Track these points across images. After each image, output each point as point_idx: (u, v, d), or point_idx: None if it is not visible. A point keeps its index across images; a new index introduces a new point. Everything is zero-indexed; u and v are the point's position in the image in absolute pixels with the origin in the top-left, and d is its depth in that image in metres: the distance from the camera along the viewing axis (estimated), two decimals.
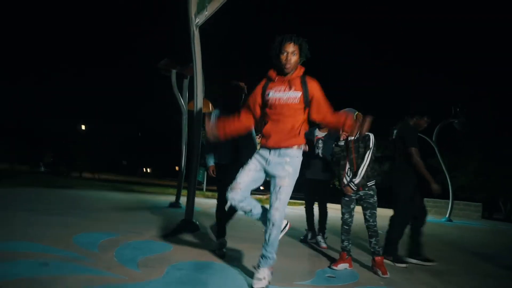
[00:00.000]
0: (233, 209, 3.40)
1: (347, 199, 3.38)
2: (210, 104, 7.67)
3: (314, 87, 2.57)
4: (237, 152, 3.51)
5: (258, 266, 2.52)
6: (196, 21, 4.90)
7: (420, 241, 3.81)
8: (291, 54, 2.50)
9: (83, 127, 37.40)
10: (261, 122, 2.74)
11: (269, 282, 2.50)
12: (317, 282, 2.79)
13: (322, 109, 2.57)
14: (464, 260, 4.42)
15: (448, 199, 12.28)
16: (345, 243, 3.36)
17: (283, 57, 2.51)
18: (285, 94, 2.54)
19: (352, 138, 3.37)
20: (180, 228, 4.37)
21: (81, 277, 2.29)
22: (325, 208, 4.50)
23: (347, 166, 3.36)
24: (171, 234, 4.15)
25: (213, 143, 3.46)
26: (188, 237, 4.13)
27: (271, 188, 2.55)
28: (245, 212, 2.66)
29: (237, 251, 3.59)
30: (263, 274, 2.48)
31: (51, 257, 2.67)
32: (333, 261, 3.45)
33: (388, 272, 3.13)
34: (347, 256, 3.33)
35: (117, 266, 2.64)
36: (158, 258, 3.01)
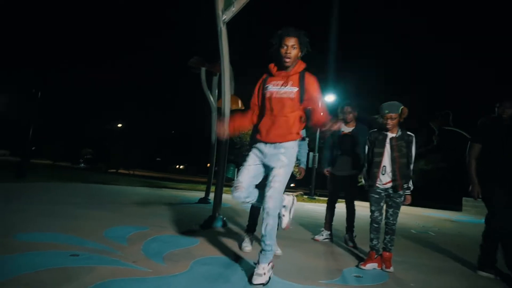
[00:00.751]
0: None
1: (377, 196, 3.26)
2: (240, 101, 7.68)
3: (311, 84, 2.55)
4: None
5: (258, 262, 2.47)
6: (223, 18, 4.91)
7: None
8: (291, 47, 2.51)
9: (119, 125, 38.79)
10: (258, 116, 2.73)
11: (270, 278, 2.45)
12: (344, 281, 2.71)
13: (311, 94, 2.54)
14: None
15: None
16: (374, 242, 3.24)
17: (283, 50, 2.51)
18: (281, 89, 2.54)
19: (394, 135, 3.23)
20: (207, 224, 4.42)
21: (107, 269, 2.35)
22: (353, 205, 4.37)
23: (383, 164, 3.22)
24: (199, 228, 4.20)
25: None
26: (215, 232, 4.15)
27: (268, 179, 2.53)
28: (259, 206, 2.64)
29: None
30: (263, 269, 2.43)
31: (81, 249, 2.76)
32: (361, 260, 3.35)
33: (392, 267, 3.15)
34: (376, 256, 3.21)
35: (143, 259, 2.69)
36: (183, 252, 3.05)
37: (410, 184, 3.23)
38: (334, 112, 4.48)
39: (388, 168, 3.20)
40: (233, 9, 4.86)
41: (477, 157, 3.39)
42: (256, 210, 3.56)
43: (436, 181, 24.28)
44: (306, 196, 15.57)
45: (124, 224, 3.98)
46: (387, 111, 3.21)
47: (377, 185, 3.24)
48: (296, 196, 14.01)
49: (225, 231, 4.31)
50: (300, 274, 2.75)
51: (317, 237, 4.41)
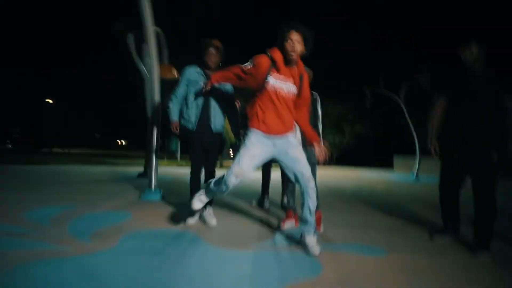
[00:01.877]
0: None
1: None
2: (174, 70, 7.37)
3: (306, 84, 2.64)
4: (208, 118, 3.25)
5: (306, 235, 2.58)
6: None
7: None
8: (296, 42, 2.46)
9: (50, 101, 35.86)
10: (255, 104, 2.60)
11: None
12: (275, 243, 2.79)
13: (301, 109, 2.68)
14: (421, 215, 4.56)
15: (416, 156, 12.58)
16: (291, 202, 3.38)
17: (288, 44, 2.46)
18: (288, 86, 2.55)
19: None
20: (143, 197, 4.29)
21: (23, 253, 2.18)
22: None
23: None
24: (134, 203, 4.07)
25: (177, 102, 3.29)
26: (151, 206, 4.05)
27: (289, 163, 2.58)
28: (223, 190, 2.64)
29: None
30: (313, 239, 2.57)
31: None
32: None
33: (322, 227, 3.27)
34: (294, 214, 3.38)
35: (68, 239, 2.54)
36: (114, 228, 2.93)
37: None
38: None
39: (299, 129, 3.20)
40: None
41: (440, 114, 3.05)
42: (197, 186, 3.34)
43: (371, 143, 25.84)
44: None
45: (48, 204, 3.73)
46: None
47: None
48: None
49: (161, 204, 4.22)
50: (232, 241, 2.78)
51: (254, 203, 4.52)
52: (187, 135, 3.27)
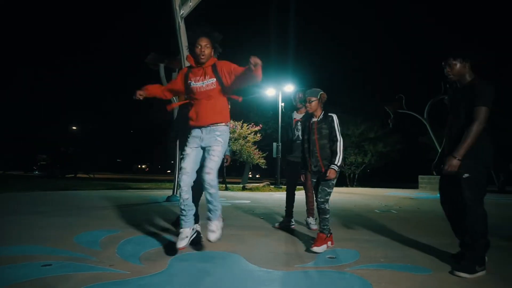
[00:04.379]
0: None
1: (314, 180, 3.43)
2: None
3: (222, 64, 2.87)
4: None
5: (210, 219, 2.95)
6: (181, 13, 4.86)
7: None
8: (204, 47, 2.80)
9: (74, 128, 37.06)
10: (186, 106, 3.10)
11: (222, 230, 2.99)
12: (319, 263, 2.84)
13: (228, 69, 2.84)
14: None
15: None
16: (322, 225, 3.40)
17: (197, 50, 2.81)
18: (203, 83, 2.87)
19: (315, 119, 3.41)
20: (178, 221, 4.40)
21: (84, 275, 2.31)
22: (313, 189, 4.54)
23: (310, 148, 3.39)
24: (173, 225, 4.19)
25: None
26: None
27: (205, 157, 2.90)
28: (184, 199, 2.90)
29: (239, 238, 3.63)
30: (216, 226, 2.93)
31: (54, 258, 2.68)
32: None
33: (319, 248, 3.15)
34: (325, 237, 3.33)
35: (120, 262, 2.67)
36: (159, 251, 3.04)
37: (336, 160, 3.23)
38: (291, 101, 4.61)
39: (314, 152, 3.36)
40: (190, 4, 4.83)
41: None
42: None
43: (394, 162, 25.49)
44: (272, 186, 15.80)
45: (93, 229, 3.88)
46: (307, 95, 3.42)
47: (311, 169, 3.41)
48: (263, 186, 14.19)
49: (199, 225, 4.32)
50: (276, 261, 2.85)
51: (277, 224, 4.53)
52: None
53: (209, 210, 2.95)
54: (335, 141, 3.30)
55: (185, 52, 5.01)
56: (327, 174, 3.21)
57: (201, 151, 2.96)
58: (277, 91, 19.11)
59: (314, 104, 3.39)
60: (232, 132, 14.23)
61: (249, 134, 15.86)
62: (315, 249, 3.15)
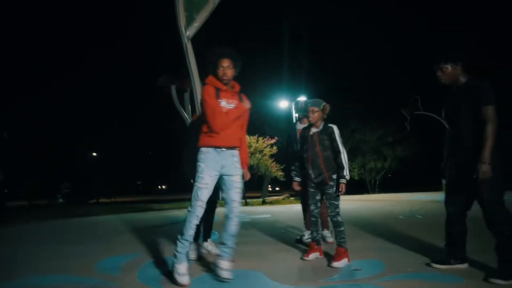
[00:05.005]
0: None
1: (312, 190, 3.39)
2: None
3: (246, 108, 2.85)
4: None
5: (223, 259, 2.75)
6: (187, 34, 4.94)
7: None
8: (227, 68, 2.72)
9: (94, 154, 37.86)
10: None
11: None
12: (343, 277, 2.74)
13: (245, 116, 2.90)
14: None
15: None
16: (314, 234, 3.42)
17: (220, 71, 2.73)
18: (234, 105, 2.78)
19: (316, 130, 3.37)
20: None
21: None
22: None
23: (311, 158, 3.33)
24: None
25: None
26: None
27: (225, 186, 2.78)
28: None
29: (260, 254, 3.57)
30: (230, 264, 2.74)
31: (74, 286, 2.68)
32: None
33: (338, 263, 3.06)
34: (316, 246, 3.41)
35: (140, 286, 2.64)
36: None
37: (344, 173, 3.23)
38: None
39: (315, 162, 3.31)
40: (196, 25, 4.91)
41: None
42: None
43: (415, 165, 24.90)
44: (293, 198, 15.64)
45: (114, 255, 3.89)
46: (309, 105, 3.36)
47: (310, 180, 3.36)
48: (283, 199, 14.05)
49: (219, 244, 4.27)
50: (300, 277, 2.77)
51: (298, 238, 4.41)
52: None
53: (227, 247, 2.77)
54: (337, 152, 3.28)
55: (194, 72, 5.08)
56: (340, 189, 3.22)
57: (217, 177, 2.78)
58: (290, 102, 19.12)
59: (317, 115, 3.35)
60: (248, 146, 14.24)
61: (265, 147, 15.83)
62: (335, 264, 3.07)
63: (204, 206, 2.70)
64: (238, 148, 2.85)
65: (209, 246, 3.82)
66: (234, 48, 2.78)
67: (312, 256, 3.34)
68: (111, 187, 30.06)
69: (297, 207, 10.60)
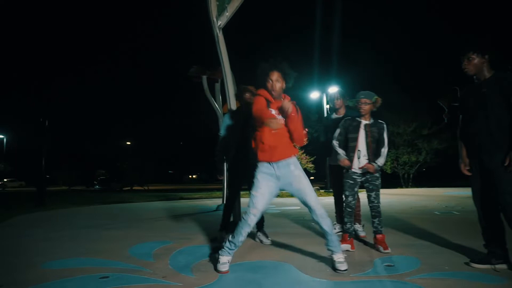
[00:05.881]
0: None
1: (351, 182, 3.41)
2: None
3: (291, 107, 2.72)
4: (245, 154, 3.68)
5: (333, 252, 2.75)
6: (219, 24, 4.92)
7: None
8: (275, 81, 2.72)
9: (128, 143, 39.03)
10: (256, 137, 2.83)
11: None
12: (376, 272, 2.67)
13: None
14: None
15: None
16: (348, 225, 3.44)
17: (269, 84, 2.73)
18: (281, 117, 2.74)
19: (368, 122, 3.40)
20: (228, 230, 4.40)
21: (139, 287, 2.35)
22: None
23: (358, 148, 3.36)
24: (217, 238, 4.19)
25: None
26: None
27: (296, 194, 2.81)
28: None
29: (290, 246, 3.55)
30: (342, 257, 2.73)
31: (110, 270, 2.77)
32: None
33: (389, 248, 3.26)
34: (348, 238, 3.42)
35: (172, 273, 2.69)
36: (211, 262, 3.03)
37: (381, 162, 3.35)
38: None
39: (363, 152, 3.36)
40: (227, 14, 4.87)
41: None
42: (229, 210, 3.97)
43: (452, 160, 23.86)
44: (322, 191, 15.49)
45: (147, 241, 3.99)
46: (362, 96, 3.38)
47: (353, 169, 3.38)
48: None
49: (248, 235, 4.29)
50: (331, 270, 2.72)
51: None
52: (231, 169, 3.92)
53: (331, 245, 2.77)
54: (382, 146, 3.38)
55: (225, 62, 5.05)
56: (367, 166, 3.32)
57: (277, 189, 2.80)
58: (321, 93, 18.81)
59: (368, 107, 3.39)
60: None
61: None
62: (388, 250, 3.25)
63: (258, 215, 2.74)
64: (291, 156, 2.78)
65: (261, 236, 3.87)
66: (286, 60, 2.77)
67: (344, 247, 3.29)
68: (144, 175, 30.93)
69: (327, 200, 10.49)
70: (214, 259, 3.09)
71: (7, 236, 4.60)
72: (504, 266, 2.64)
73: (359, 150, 3.36)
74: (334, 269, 2.68)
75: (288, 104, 2.59)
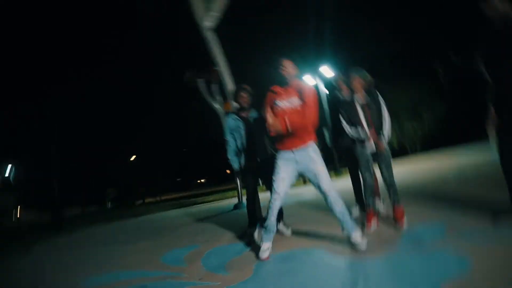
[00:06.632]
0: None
1: (365, 159, 3.45)
2: None
3: (307, 91, 2.94)
4: (254, 152, 3.88)
5: (349, 235, 2.84)
6: (207, 25, 4.93)
7: None
8: (288, 67, 2.97)
9: (132, 158, 39.14)
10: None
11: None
12: (407, 244, 2.71)
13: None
14: None
15: None
16: (371, 202, 3.50)
17: (282, 70, 2.97)
18: (292, 101, 2.94)
19: (364, 103, 3.44)
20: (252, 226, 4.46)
21: None
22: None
23: (364, 126, 3.41)
24: (246, 234, 4.25)
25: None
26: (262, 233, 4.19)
27: (312, 179, 2.95)
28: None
29: (315, 232, 3.60)
30: (359, 235, 2.81)
31: (147, 280, 2.84)
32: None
33: (405, 223, 3.25)
34: (374, 214, 3.49)
35: (208, 274, 2.75)
36: (242, 259, 3.10)
37: (386, 131, 3.39)
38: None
39: (367, 128, 3.41)
40: (214, 14, 4.88)
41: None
42: (253, 208, 4.02)
43: (460, 120, 23.39)
44: (332, 172, 15.53)
45: (175, 247, 4.06)
46: (354, 74, 3.48)
47: (363, 148, 3.43)
48: None
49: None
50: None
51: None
52: (243, 170, 3.94)
53: (345, 227, 2.89)
54: (382, 112, 3.42)
55: (220, 61, 5.08)
56: (377, 144, 3.36)
57: (295, 172, 2.99)
58: (315, 77, 18.71)
59: (360, 84, 3.46)
60: None
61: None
62: (404, 226, 3.23)
63: (280, 198, 2.95)
64: (309, 142, 2.93)
65: (282, 227, 3.91)
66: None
67: (373, 224, 3.40)
68: (154, 187, 31.11)
69: (339, 183, 10.54)
70: (245, 256, 3.17)
71: (39, 261, 4.67)
72: None
73: (366, 126, 3.42)
74: (354, 250, 2.75)
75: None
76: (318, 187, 2.92)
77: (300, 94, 2.94)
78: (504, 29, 2.44)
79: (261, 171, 3.87)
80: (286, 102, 2.96)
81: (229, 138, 3.99)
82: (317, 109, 2.95)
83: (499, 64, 2.48)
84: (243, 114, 3.97)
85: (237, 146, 3.95)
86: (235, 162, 3.95)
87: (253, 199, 4.06)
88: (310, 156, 2.92)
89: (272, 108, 3.00)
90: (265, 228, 2.98)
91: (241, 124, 3.93)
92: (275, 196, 2.95)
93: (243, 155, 3.92)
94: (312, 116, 2.89)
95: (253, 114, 3.99)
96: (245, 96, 3.94)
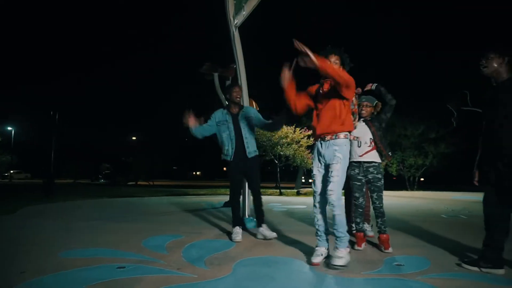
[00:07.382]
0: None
1: (359, 184, 3.51)
2: (254, 103, 7.72)
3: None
4: (243, 148, 3.83)
5: (337, 247, 2.77)
6: (235, 22, 4.96)
7: None
8: (333, 62, 2.88)
9: (133, 138, 39.22)
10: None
11: (348, 261, 2.72)
12: (387, 271, 2.71)
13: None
14: None
15: None
16: (361, 225, 3.53)
17: None
18: (326, 91, 2.93)
19: (369, 119, 3.55)
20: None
21: (155, 278, 2.42)
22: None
23: (356, 136, 3.49)
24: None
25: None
26: (247, 233, 4.19)
27: (325, 179, 2.90)
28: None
29: (300, 243, 3.60)
30: (342, 253, 2.73)
31: (126, 261, 2.84)
32: (394, 247, 3.39)
33: (390, 248, 3.32)
34: (363, 236, 3.55)
35: (187, 265, 2.75)
36: (223, 255, 3.10)
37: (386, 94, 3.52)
38: None
39: (363, 140, 3.49)
40: (244, 13, 4.92)
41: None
42: (237, 206, 4.02)
43: (460, 164, 23.66)
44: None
45: (159, 234, 4.06)
46: (364, 100, 3.56)
47: (352, 160, 3.46)
48: None
49: (256, 231, 4.34)
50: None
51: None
52: (227, 166, 3.89)
53: (336, 238, 2.80)
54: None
55: (240, 61, 5.10)
56: (382, 182, 3.46)
57: (322, 166, 2.94)
58: None
59: (370, 110, 3.58)
60: (285, 137, 14.18)
61: (301, 138, 15.69)
62: (390, 250, 3.31)
63: (320, 195, 2.93)
64: (340, 134, 2.83)
65: (265, 231, 3.87)
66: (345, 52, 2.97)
67: (364, 246, 3.48)
68: (149, 171, 31.10)
69: None
70: (227, 253, 3.17)
71: (22, 226, 4.69)
72: (492, 271, 2.62)
73: (357, 137, 3.49)
74: (329, 264, 2.70)
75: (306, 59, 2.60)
76: (324, 191, 2.87)
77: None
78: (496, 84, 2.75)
79: (246, 169, 3.87)
80: (323, 91, 2.95)
81: (208, 123, 3.94)
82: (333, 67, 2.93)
83: (494, 108, 2.70)
84: (233, 110, 3.91)
85: (222, 140, 3.90)
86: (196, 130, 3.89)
87: (237, 195, 4.02)
88: (335, 150, 2.84)
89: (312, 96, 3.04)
90: (317, 231, 2.98)
91: (229, 118, 3.86)
92: (315, 193, 2.98)
93: (228, 152, 3.84)
94: (335, 74, 2.79)
95: (244, 111, 3.92)
96: (237, 91, 3.93)
